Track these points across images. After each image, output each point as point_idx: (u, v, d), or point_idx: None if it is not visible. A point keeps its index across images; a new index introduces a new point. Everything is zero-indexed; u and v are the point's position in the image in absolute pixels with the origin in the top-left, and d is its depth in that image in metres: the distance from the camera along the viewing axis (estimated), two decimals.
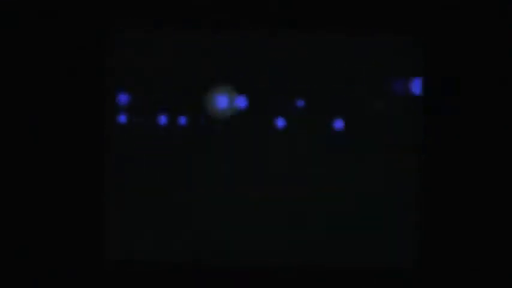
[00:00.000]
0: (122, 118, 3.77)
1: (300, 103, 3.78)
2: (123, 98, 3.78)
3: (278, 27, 3.75)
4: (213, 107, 3.77)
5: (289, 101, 3.78)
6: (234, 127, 3.78)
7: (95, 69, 3.72)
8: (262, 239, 3.75)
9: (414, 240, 3.72)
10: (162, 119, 3.78)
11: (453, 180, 3.70)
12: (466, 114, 3.71)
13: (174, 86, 3.79)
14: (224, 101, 3.78)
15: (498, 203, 3.68)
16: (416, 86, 3.78)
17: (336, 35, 3.77)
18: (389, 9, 3.74)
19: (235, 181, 3.77)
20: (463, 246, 3.69)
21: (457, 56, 3.73)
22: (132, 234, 3.75)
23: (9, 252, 3.68)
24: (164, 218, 3.75)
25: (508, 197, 3.68)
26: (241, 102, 3.78)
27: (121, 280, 3.71)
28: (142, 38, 3.77)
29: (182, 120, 3.78)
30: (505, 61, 3.71)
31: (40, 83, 3.70)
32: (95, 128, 3.72)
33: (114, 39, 3.75)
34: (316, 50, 3.79)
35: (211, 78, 3.78)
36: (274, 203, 3.76)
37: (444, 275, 3.69)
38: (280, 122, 3.79)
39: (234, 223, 3.76)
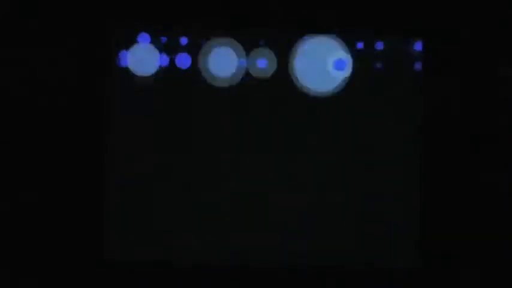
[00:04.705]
0: (122, 118, 3.77)
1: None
2: (123, 97, 3.78)
3: (279, 27, 3.75)
4: None
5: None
6: (234, 126, 3.79)
7: (95, 69, 3.72)
8: (263, 239, 3.75)
9: (414, 241, 3.72)
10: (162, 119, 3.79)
11: (454, 180, 3.70)
12: (465, 113, 3.72)
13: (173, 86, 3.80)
14: None
15: (499, 203, 3.68)
16: (416, 86, 3.78)
17: (337, 35, 3.77)
18: (389, 10, 3.74)
19: (235, 181, 3.76)
20: (464, 247, 3.69)
21: (457, 56, 3.73)
22: (131, 234, 3.75)
23: (8, 251, 3.68)
24: (163, 218, 3.75)
25: (509, 196, 3.68)
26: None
27: (120, 280, 3.71)
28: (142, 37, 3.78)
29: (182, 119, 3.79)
30: (505, 61, 3.71)
31: (40, 83, 3.71)
32: (95, 128, 3.72)
33: (113, 37, 3.76)
34: (316, 50, 3.79)
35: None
36: (275, 203, 3.76)
37: (445, 276, 3.69)
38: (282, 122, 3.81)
39: (234, 223, 3.75)
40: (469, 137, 3.71)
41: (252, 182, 3.76)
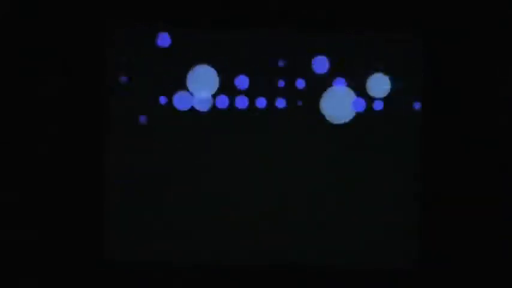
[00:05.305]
0: (122, 118, 3.77)
1: (299, 102, 3.78)
2: (123, 98, 3.78)
3: (278, 26, 3.75)
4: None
5: (288, 100, 3.79)
6: (233, 127, 3.78)
7: (95, 68, 3.72)
8: (262, 239, 3.75)
9: (414, 241, 3.72)
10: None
11: (453, 180, 3.70)
12: (466, 115, 3.72)
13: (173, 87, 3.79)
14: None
15: (498, 204, 3.68)
16: (416, 86, 3.78)
17: (336, 34, 3.77)
18: (389, 8, 3.74)
19: (234, 182, 3.76)
20: (463, 247, 3.69)
21: (457, 55, 3.73)
22: (131, 234, 3.75)
23: (8, 251, 3.68)
24: (163, 219, 3.75)
25: (508, 197, 3.68)
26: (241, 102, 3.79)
27: (120, 280, 3.71)
28: (143, 36, 3.77)
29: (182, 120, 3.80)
30: (505, 61, 3.71)
31: (39, 83, 3.71)
32: (95, 128, 3.72)
33: (113, 37, 3.76)
34: (316, 49, 3.79)
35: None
36: (274, 203, 3.76)
37: (444, 276, 3.69)
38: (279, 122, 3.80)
39: (233, 223, 3.75)
40: (469, 137, 3.71)
41: (253, 183, 3.76)
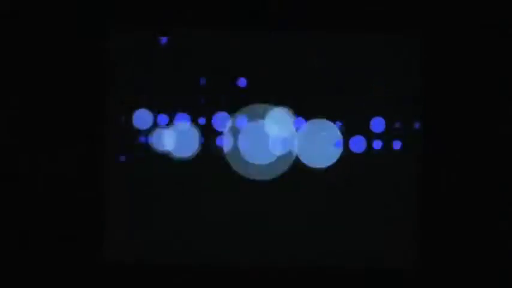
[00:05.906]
0: (122, 119, 3.77)
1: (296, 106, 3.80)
2: (122, 96, 3.78)
3: (277, 26, 3.75)
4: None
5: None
6: (231, 128, 3.79)
7: (94, 71, 3.72)
8: (261, 240, 3.75)
9: (414, 241, 3.72)
10: (162, 119, 3.78)
11: (453, 180, 3.71)
12: (465, 115, 3.72)
13: (173, 88, 3.79)
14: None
15: (497, 204, 3.69)
16: (415, 86, 3.78)
17: (336, 34, 3.77)
18: (388, 8, 3.74)
19: (234, 181, 3.76)
20: (463, 247, 3.69)
21: (457, 55, 3.73)
22: (132, 235, 3.75)
23: (8, 252, 3.68)
24: (164, 220, 3.75)
25: (507, 197, 3.68)
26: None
27: (120, 281, 3.71)
28: (143, 37, 3.77)
29: (182, 120, 3.79)
30: (505, 61, 3.71)
31: (39, 85, 3.70)
32: (95, 129, 3.71)
33: (113, 38, 3.75)
34: (316, 50, 3.78)
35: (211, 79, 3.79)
36: (274, 203, 3.76)
37: (444, 276, 3.70)
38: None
39: (235, 224, 3.75)
40: (468, 137, 3.71)
41: (252, 182, 3.76)
